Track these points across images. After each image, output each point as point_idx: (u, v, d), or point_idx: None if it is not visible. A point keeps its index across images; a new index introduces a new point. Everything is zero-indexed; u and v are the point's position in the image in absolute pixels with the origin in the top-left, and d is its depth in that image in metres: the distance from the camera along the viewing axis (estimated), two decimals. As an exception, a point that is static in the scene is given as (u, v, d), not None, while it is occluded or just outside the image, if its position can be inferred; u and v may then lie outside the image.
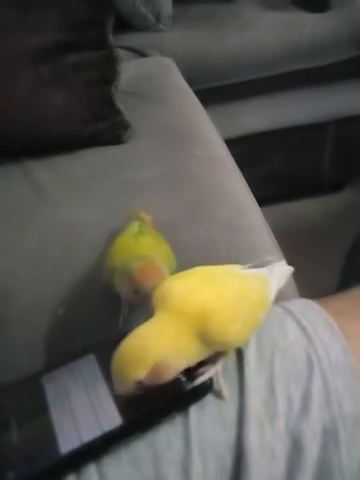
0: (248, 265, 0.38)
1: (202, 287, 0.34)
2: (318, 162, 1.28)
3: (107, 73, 0.73)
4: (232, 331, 0.32)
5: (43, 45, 0.70)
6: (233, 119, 1.16)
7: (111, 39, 0.75)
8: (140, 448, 0.31)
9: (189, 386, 0.32)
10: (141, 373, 0.29)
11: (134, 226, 0.48)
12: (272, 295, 0.37)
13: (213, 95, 1.07)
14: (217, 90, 1.10)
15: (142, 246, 0.44)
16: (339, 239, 1.18)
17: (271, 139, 1.21)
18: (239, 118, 1.17)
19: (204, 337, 0.32)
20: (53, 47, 0.70)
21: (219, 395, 0.33)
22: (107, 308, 0.47)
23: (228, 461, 0.31)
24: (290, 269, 0.42)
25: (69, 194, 0.64)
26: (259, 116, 1.17)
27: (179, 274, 0.36)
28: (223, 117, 1.10)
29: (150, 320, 0.32)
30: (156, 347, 0.30)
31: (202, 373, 0.33)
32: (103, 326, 0.47)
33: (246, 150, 1.09)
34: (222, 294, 0.34)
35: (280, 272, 0.40)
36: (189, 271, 0.36)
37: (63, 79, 0.70)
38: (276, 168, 1.27)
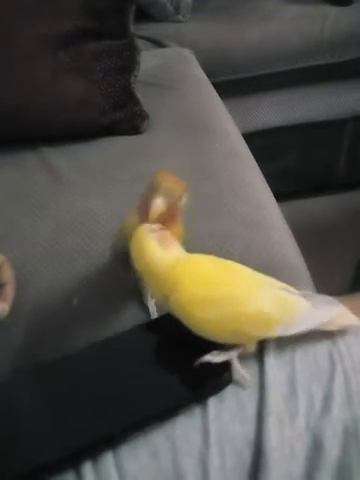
0: (305, 292, 0.37)
1: (208, 270, 0.35)
2: (333, 159, 1.27)
3: (127, 62, 0.72)
4: (195, 315, 0.32)
5: (64, 32, 0.69)
6: (249, 113, 1.15)
7: (132, 28, 0.74)
8: (158, 439, 0.31)
9: (208, 373, 0.31)
10: None
11: None
12: (296, 326, 0.34)
13: (229, 88, 1.05)
14: (234, 83, 1.09)
15: None
16: (352, 237, 1.17)
17: (287, 135, 1.20)
18: (255, 112, 1.15)
19: (169, 302, 0.33)
20: (74, 34, 0.69)
21: (240, 383, 0.32)
22: (122, 299, 0.47)
23: (246, 456, 0.31)
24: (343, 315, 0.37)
25: (86, 182, 0.63)
26: (275, 111, 1.16)
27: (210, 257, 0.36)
28: (239, 111, 1.09)
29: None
30: None
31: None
32: (117, 316, 0.47)
33: (261, 145, 1.08)
34: (211, 284, 0.33)
35: (332, 312, 0.35)
36: (224, 260, 0.35)
37: (83, 67, 0.69)
38: (290, 164, 1.25)
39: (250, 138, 0.86)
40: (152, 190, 0.37)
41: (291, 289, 0.36)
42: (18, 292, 0.47)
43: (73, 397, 0.32)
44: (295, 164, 1.25)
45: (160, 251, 0.33)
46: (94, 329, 0.46)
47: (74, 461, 0.29)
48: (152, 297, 0.44)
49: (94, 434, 0.30)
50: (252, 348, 0.34)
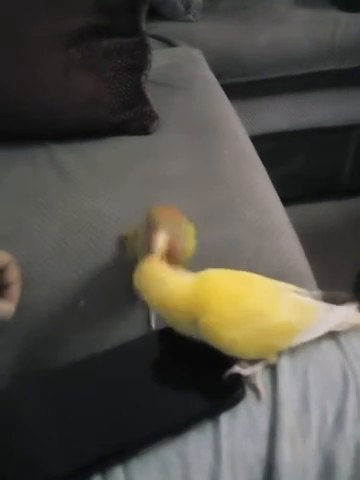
0: (314, 292, 0.37)
1: (227, 285, 0.34)
2: (339, 165, 1.26)
3: (138, 61, 0.72)
4: (223, 337, 0.32)
5: (76, 28, 0.68)
6: (256, 116, 1.15)
7: (144, 26, 0.74)
8: (169, 455, 0.30)
9: (221, 388, 0.31)
10: None
11: None
12: (313, 332, 0.34)
13: (238, 90, 1.05)
14: (242, 85, 1.09)
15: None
16: (355, 244, 1.17)
17: (293, 139, 1.19)
18: (262, 116, 1.15)
19: (197, 325, 0.32)
20: (86, 31, 0.69)
21: (254, 397, 0.32)
22: (130, 301, 0.46)
23: (258, 474, 0.30)
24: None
25: (94, 182, 0.63)
26: (283, 115, 1.15)
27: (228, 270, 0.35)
28: (246, 113, 1.08)
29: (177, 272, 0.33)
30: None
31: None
32: (125, 319, 0.46)
33: (267, 149, 1.07)
34: (236, 301, 0.33)
35: (343, 314, 0.36)
36: (238, 271, 0.35)
37: (94, 64, 0.68)
38: (296, 169, 1.25)
39: (256, 141, 0.85)
40: (150, 227, 0.37)
41: (303, 291, 0.36)
42: (24, 292, 0.46)
43: (82, 408, 0.31)
44: (300, 169, 1.25)
45: (176, 278, 0.33)
46: (100, 331, 0.46)
47: (83, 475, 0.29)
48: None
49: (104, 448, 0.29)
50: (274, 360, 0.34)
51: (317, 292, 0.38)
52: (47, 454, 0.29)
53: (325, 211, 1.30)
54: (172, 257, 0.36)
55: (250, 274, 0.35)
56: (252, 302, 0.33)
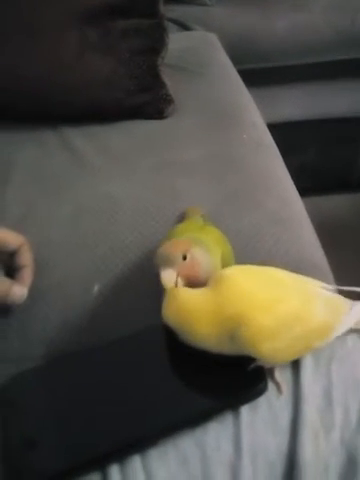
0: (335, 288, 0.35)
1: (259, 289, 0.32)
2: (352, 158, 1.24)
3: (156, 43, 0.70)
4: (264, 348, 0.30)
5: (92, 8, 0.67)
6: (270, 104, 1.12)
7: (162, 8, 0.72)
8: (188, 446, 0.29)
9: (242, 380, 0.30)
10: None
11: (198, 219, 0.44)
12: (341, 329, 0.33)
13: (252, 77, 1.02)
14: (257, 72, 1.06)
15: (206, 233, 0.40)
16: (366, 238, 1.15)
17: (307, 129, 1.17)
18: (277, 104, 1.12)
19: (234, 339, 0.30)
20: (102, 10, 0.67)
21: (274, 392, 0.31)
22: (145, 288, 0.45)
23: (279, 469, 0.29)
24: None
25: (108, 166, 0.61)
26: (298, 104, 1.13)
27: (249, 266, 0.33)
28: (260, 101, 1.06)
29: (196, 289, 0.32)
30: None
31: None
32: (139, 306, 0.45)
33: (280, 139, 1.06)
34: (273, 307, 0.31)
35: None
36: (261, 267, 0.33)
37: (110, 45, 0.66)
38: (308, 160, 1.23)
39: (269, 130, 0.84)
40: (156, 263, 0.35)
41: (326, 286, 0.35)
42: (36, 277, 0.46)
43: (100, 397, 0.30)
44: (312, 160, 1.22)
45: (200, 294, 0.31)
46: (115, 318, 0.44)
47: (101, 464, 0.28)
48: None
49: (122, 437, 0.28)
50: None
51: (334, 287, 0.37)
52: (65, 442, 0.28)
53: (335, 204, 1.28)
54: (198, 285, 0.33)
55: (275, 271, 0.34)
56: (289, 306, 0.31)
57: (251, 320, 0.30)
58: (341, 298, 0.34)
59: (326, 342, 0.32)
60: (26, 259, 0.44)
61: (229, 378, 0.30)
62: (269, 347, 0.30)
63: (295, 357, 0.32)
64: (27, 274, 0.43)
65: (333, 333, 0.32)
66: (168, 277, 0.33)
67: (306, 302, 0.32)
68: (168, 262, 0.33)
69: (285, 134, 1.17)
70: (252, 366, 0.31)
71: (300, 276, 0.34)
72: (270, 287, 0.32)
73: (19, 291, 0.41)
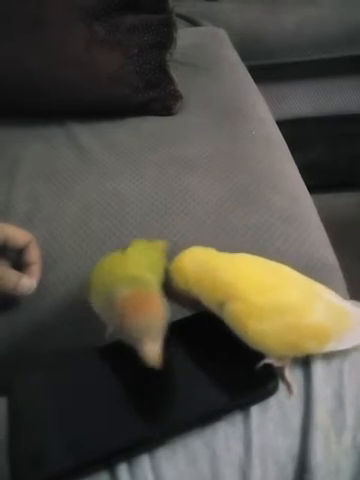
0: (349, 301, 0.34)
1: (261, 275, 0.32)
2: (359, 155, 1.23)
3: (164, 38, 0.69)
4: (249, 326, 0.30)
5: (100, 2, 0.66)
6: (279, 101, 1.11)
7: (171, 3, 0.71)
8: (197, 446, 0.29)
9: (253, 380, 0.29)
10: None
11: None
12: (346, 341, 0.32)
13: (261, 73, 1.01)
14: (265, 68, 1.05)
15: (131, 261, 0.35)
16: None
17: (315, 126, 1.16)
18: (285, 100, 1.11)
19: (223, 309, 0.30)
20: (111, 5, 0.66)
21: (285, 393, 0.30)
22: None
23: (289, 470, 0.29)
24: None
25: (115, 162, 0.61)
26: (306, 101, 1.12)
27: (261, 258, 0.33)
28: (268, 97, 1.05)
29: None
30: None
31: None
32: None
33: (287, 135, 1.05)
34: (268, 291, 0.31)
35: None
36: (272, 262, 0.33)
37: (118, 40, 0.66)
38: (315, 157, 1.21)
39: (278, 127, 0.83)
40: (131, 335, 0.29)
41: (338, 296, 0.34)
42: (44, 273, 0.45)
43: (108, 395, 0.30)
44: (320, 157, 1.21)
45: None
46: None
47: (109, 463, 0.27)
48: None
49: (131, 437, 0.28)
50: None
51: (351, 302, 0.36)
52: (73, 442, 0.28)
53: (343, 202, 1.27)
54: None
55: (286, 267, 0.33)
56: (285, 296, 0.31)
57: (241, 295, 0.30)
58: (350, 311, 0.32)
59: (322, 348, 0.31)
60: (34, 256, 0.44)
61: (239, 378, 0.30)
62: (255, 327, 0.29)
63: (287, 350, 0.31)
64: (35, 271, 0.43)
65: (331, 340, 0.31)
66: (154, 352, 0.28)
67: (306, 298, 0.31)
68: (152, 335, 0.28)
69: (292, 131, 1.16)
70: (261, 363, 0.30)
71: (311, 280, 0.34)
72: (273, 276, 0.32)
73: (28, 282, 0.41)
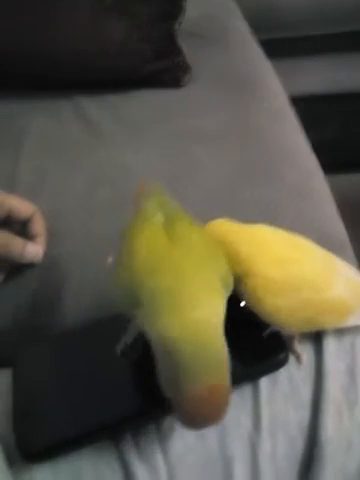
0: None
1: (280, 247, 0.32)
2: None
3: (173, 7, 0.67)
4: (266, 302, 0.29)
5: (107, -32, 0.63)
6: (290, 77, 1.08)
7: (180, -30, 0.68)
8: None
9: (262, 351, 0.29)
10: None
11: (156, 213, 0.33)
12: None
13: (272, 47, 0.98)
14: (277, 42, 1.02)
15: (180, 261, 0.28)
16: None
17: (328, 104, 1.13)
18: (297, 76, 1.08)
19: (240, 284, 0.30)
20: (118, -29, 0.64)
21: (296, 364, 0.30)
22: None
23: (299, 445, 0.28)
24: None
25: (122, 135, 0.59)
26: (319, 77, 1.09)
27: (282, 230, 0.32)
28: (280, 72, 1.02)
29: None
30: None
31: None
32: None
33: (299, 113, 1.02)
34: (286, 265, 0.30)
35: None
36: (293, 235, 0.32)
37: (126, 8, 0.63)
38: (327, 136, 1.19)
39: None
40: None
41: (357, 272, 0.33)
42: (49, 246, 0.45)
43: (110, 368, 0.29)
44: (332, 136, 1.19)
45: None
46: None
47: (112, 431, 0.27)
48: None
49: (137, 407, 0.27)
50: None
51: None
52: (75, 410, 0.27)
53: (354, 183, 1.25)
54: None
55: (306, 241, 0.32)
56: (304, 271, 0.30)
57: (260, 271, 0.29)
58: None
59: (341, 324, 0.31)
60: (39, 228, 0.43)
61: (249, 349, 0.29)
62: (271, 302, 0.29)
63: (303, 325, 0.30)
64: (40, 242, 0.42)
65: (350, 316, 0.30)
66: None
67: (325, 273, 0.31)
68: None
69: (305, 108, 1.13)
70: (268, 331, 0.29)
71: (332, 255, 0.33)
72: (293, 250, 0.32)
73: (34, 249, 0.41)
